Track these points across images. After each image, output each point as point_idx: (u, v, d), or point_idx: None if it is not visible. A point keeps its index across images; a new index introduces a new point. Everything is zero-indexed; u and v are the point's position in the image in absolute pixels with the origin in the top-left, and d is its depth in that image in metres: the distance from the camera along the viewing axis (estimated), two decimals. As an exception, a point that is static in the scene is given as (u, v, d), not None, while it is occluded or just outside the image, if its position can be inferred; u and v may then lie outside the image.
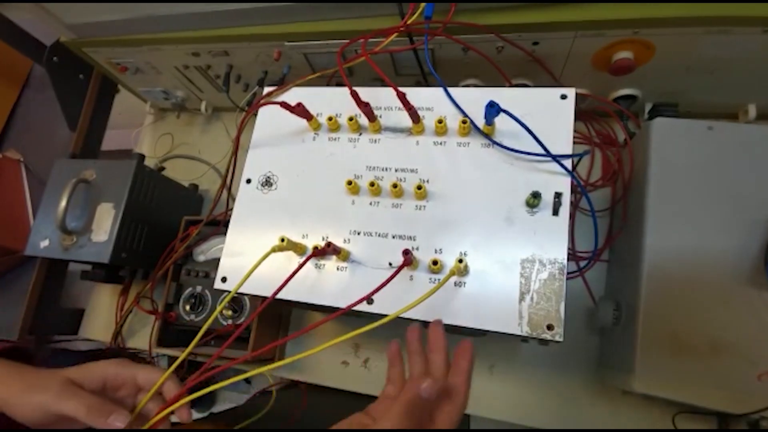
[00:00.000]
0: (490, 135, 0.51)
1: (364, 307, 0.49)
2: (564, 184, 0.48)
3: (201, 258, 0.78)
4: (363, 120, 0.55)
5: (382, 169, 0.54)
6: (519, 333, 0.45)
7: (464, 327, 0.46)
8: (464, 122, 0.51)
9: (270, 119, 0.60)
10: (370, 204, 0.53)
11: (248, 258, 0.53)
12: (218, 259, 0.55)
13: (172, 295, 0.76)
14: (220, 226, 0.77)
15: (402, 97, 0.50)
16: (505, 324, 0.45)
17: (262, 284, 0.52)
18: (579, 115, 0.70)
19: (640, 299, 0.54)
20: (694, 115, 0.61)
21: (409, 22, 0.57)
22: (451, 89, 0.54)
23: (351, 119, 0.55)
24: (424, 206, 0.51)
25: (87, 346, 0.95)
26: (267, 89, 0.62)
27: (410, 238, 0.50)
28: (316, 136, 0.57)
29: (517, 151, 0.49)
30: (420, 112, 0.53)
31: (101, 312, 0.91)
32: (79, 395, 0.48)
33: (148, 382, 0.51)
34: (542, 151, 0.48)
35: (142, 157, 0.77)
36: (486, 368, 0.71)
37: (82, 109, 0.95)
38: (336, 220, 0.53)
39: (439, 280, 0.48)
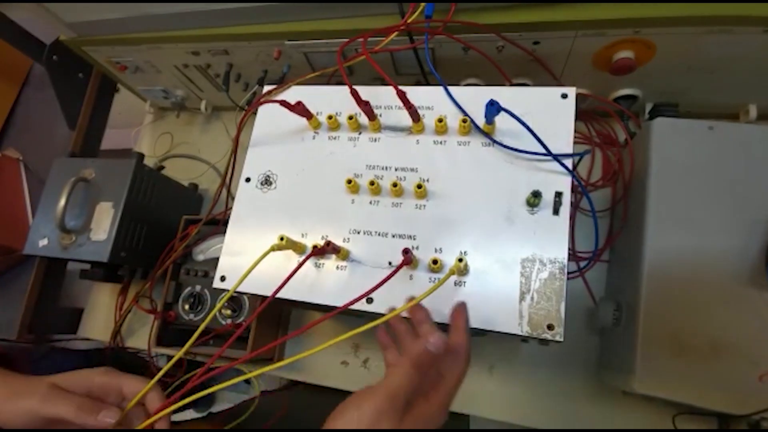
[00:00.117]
0: (490, 134, 0.51)
1: (363, 306, 0.48)
2: (564, 184, 0.48)
3: (200, 257, 0.77)
4: (363, 119, 0.55)
5: (382, 168, 0.53)
6: (519, 333, 0.45)
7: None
8: (464, 121, 0.51)
9: (270, 118, 0.60)
10: (370, 203, 0.53)
11: (247, 257, 0.53)
12: (217, 259, 0.55)
13: (171, 295, 0.76)
14: (219, 225, 0.77)
15: (402, 95, 0.50)
16: (506, 324, 0.45)
17: (262, 283, 0.51)
18: (579, 115, 0.70)
19: (640, 299, 0.54)
20: (695, 115, 0.61)
21: (409, 21, 0.57)
22: (451, 88, 0.54)
23: (351, 118, 0.55)
24: (424, 205, 0.51)
25: (86, 345, 0.95)
26: (267, 88, 0.62)
27: (410, 237, 0.50)
28: (316, 135, 0.57)
29: (517, 150, 0.49)
30: (420, 111, 0.53)
31: (100, 311, 0.91)
32: (67, 396, 0.48)
33: (133, 393, 0.51)
34: (543, 151, 0.48)
35: (141, 156, 0.77)
36: (486, 368, 0.70)
37: (82, 108, 0.95)
38: (336, 219, 0.53)
39: (439, 279, 0.48)
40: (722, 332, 0.52)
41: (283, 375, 0.80)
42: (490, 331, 0.46)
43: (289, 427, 0.85)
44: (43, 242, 0.74)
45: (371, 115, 0.54)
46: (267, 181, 0.57)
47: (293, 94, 0.60)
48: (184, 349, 0.50)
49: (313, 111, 0.57)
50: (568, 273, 0.46)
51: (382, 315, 0.48)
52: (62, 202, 0.69)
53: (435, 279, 0.48)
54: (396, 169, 0.53)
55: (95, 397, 0.51)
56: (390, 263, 0.50)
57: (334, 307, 0.50)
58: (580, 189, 0.68)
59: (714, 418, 0.59)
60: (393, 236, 0.51)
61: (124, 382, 0.51)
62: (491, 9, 0.60)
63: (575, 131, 0.50)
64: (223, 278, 0.54)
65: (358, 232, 0.52)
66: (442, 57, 0.67)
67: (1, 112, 1.08)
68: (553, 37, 0.60)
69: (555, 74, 0.66)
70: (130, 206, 0.73)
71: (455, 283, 0.47)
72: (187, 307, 0.75)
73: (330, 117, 0.56)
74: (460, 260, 0.46)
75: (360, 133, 0.56)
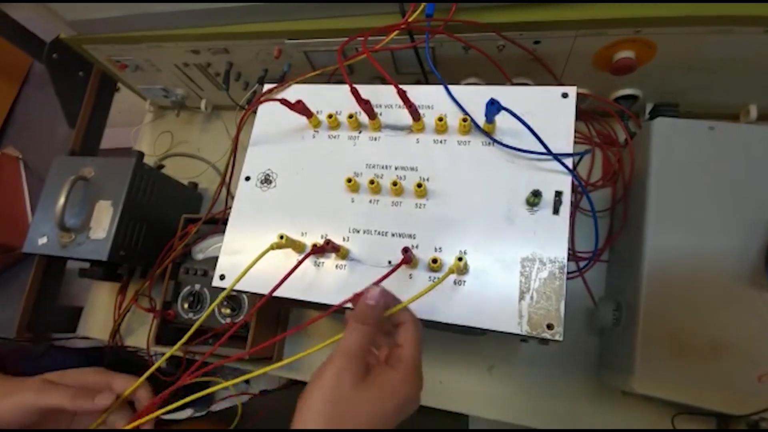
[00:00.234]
0: (490, 133, 0.51)
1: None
2: (564, 183, 0.48)
3: (200, 256, 0.77)
4: (363, 118, 0.55)
5: (382, 167, 0.53)
6: (519, 332, 0.44)
7: (463, 326, 0.46)
8: (465, 120, 0.51)
9: (270, 117, 0.60)
10: (370, 202, 0.52)
11: (247, 256, 0.53)
12: (217, 258, 0.55)
13: (171, 294, 0.76)
14: (219, 224, 0.77)
15: (402, 94, 0.50)
16: (505, 323, 0.45)
17: (261, 282, 0.51)
18: (580, 114, 0.70)
19: (640, 299, 0.54)
20: (695, 115, 0.61)
21: (410, 20, 0.57)
22: (451, 87, 0.54)
23: (351, 117, 0.55)
24: (424, 204, 0.51)
25: (85, 344, 0.95)
26: (267, 86, 0.62)
27: (410, 236, 0.50)
28: (316, 134, 0.57)
29: (517, 149, 0.49)
30: (420, 110, 0.53)
31: (99, 310, 0.91)
32: (60, 387, 0.50)
33: (122, 389, 0.53)
34: (543, 150, 0.48)
35: (141, 154, 0.77)
36: (485, 368, 0.70)
37: (82, 107, 0.95)
38: (335, 218, 0.53)
39: (438, 278, 0.48)
40: (722, 332, 0.52)
41: (282, 374, 0.80)
42: (490, 330, 0.46)
43: (288, 426, 0.85)
44: (43, 240, 0.74)
45: (371, 113, 0.54)
46: (267, 180, 0.57)
47: (293, 92, 0.60)
48: (176, 346, 0.50)
49: (313, 110, 0.57)
50: (568, 273, 0.46)
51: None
52: (62, 200, 0.69)
53: (435, 278, 0.48)
54: (396, 168, 0.53)
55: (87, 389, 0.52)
56: (390, 262, 0.50)
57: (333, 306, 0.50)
58: (580, 189, 0.68)
59: (713, 419, 0.59)
60: (393, 235, 0.51)
61: (114, 380, 0.53)
62: (492, 8, 0.59)
63: (575, 131, 0.50)
64: (222, 277, 0.54)
65: (358, 231, 0.52)
66: (443, 56, 0.67)
67: (0, 110, 1.08)
68: (553, 37, 0.60)
69: (555, 74, 0.66)
70: (129, 205, 0.73)
71: (455, 282, 0.47)
72: (186, 305, 0.75)
73: (330, 116, 0.56)
74: (460, 259, 0.46)
75: (360, 132, 0.56)
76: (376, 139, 0.55)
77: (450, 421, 0.77)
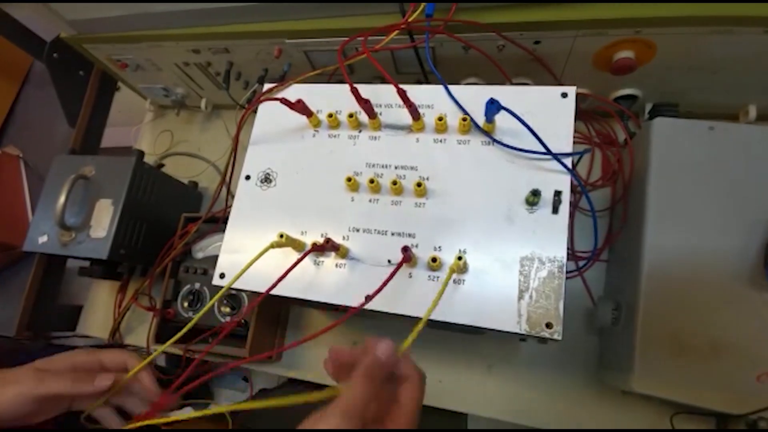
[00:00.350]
0: (490, 133, 0.51)
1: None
2: (564, 183, 0.48)
3: (199, 255, 0.77)
4: (363, 117, 0.55)
5: (382, 167, 0.53)
6: (518, 331, 0.44)
7: (462, 325, 0.46)
8: (464, 120, 0.51)
9: (270, 116, 0.60)
10: (370, 201, 0.53)
11: (247, 254, 0.53)
12: (217, 256, 0.55)
13: (171, 292, 0.76)
14: (219, 223, 0.77)
15: (402, 94, 0.50)
16: (504, 322, 0.45)
17: (261, 280, 0.51)
18: (579, 114, 0.70)
19: (639, 299, 0.54)
20: (695, 115, 0.61)
21: (410, 19, 0.57)
22: (451, 86, 0.54)
23: (351, 116, 0.55)
24: (424, 204, 0.51)
25: (85, 342, 0.95)
26: (267, 86, 0.62)
27: (409, 235, 0.50)
28: (316, 133, 0.57)
29: (517, 149, 0.49)
30: (420, 110, 0.53)
31: (99, 308, 0.91)
32: (58, 374, 0.51)
33: (113, 364, 0.54)
34: (542, 149, 0.48)
35: (141, 153, 0.77)
36: (484, 367, 0.70)
37: (82, 106, 0.95)
38: (335, 217, 0.53)
39: (438, 277, 0.48)
40: (721, 332, 0.52)
41: (281, 373, 0.80)
42: (489, 329, 0.46)
43: (287, 426, 0.85)
44: (43, 239, 0.74)
45: (371, 113, 0.54)
46: (267, 179, 0.57)
47: (293, 92, 0.60)
48: (176, 337, 0.52)
49: (313, 109, 0.57)
50: (567, 272, 0.46)
51: (381, 313, 0.48)
52: (62, 199, 0.69)
53: (434, 277, 0.48)
54: (396, 168, 0.53)
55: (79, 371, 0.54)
56: (389, 261, 0.50)
57: (332, 305, 0.50)
58: (579, 188, 0.68)
59: (712, 418, 0.59)
60: (392, 234, 0.51)
61: (103, 356, 0.55)
62: (492, 8, 0.60)
63: (575, 131, 0.50)
64: (222, 275, 0.54)
65: (358, 230, 0.52)
66: (443, 56, 0.67)
67: (1, 109, 1.08)
68: (553, 37, 0.60)
69: (555, 74, 0.66)
70: (129, 204, 0.73)
71: (454, 281, 0.47)
72: (186, 304, 0.75)
73: (330, 115, 0.56)
74: (460, 258, 0.46)
75: (360, 132, 0.56)
76: (376, 138, 0.55)
77: (449, 421, 0.77)
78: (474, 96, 0.53)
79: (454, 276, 0.47)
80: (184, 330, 0.52)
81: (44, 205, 0.76)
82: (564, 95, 0.51)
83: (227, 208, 0.77)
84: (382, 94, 0.56)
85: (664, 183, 0.57)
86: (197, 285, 0.75)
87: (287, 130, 0.58)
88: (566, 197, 0.47)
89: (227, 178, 0.71)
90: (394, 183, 0.51)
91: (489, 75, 0.68)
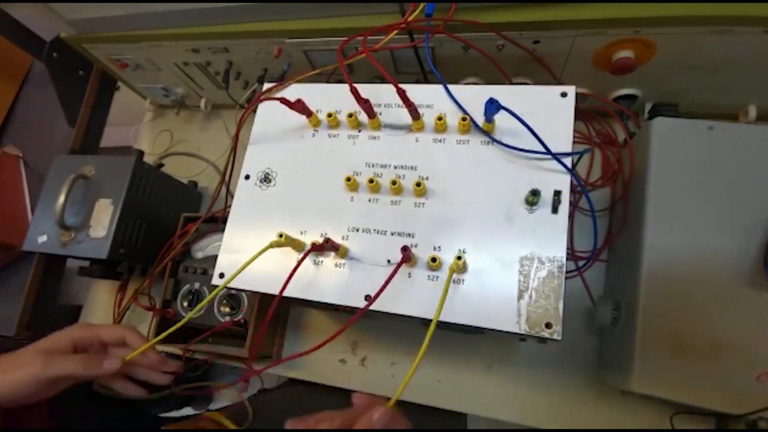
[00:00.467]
0: (489, 132, 0.51)
1: (362, 304, 0.49)
2: (563, 182, 0.48)
3: (199, 255, 0.77)
4: (363, 117, 0.55)
5: (382, 166, 0.53)
6: (517, 331, 0.44)
7: (462, 325, 0.46)
8: (464, 119, 0.51)
9: (269, 116, 0.60)
10: (369, 201, 0.52)
11: (246, 254, 0.52)
12: (216, 256, 0.55)
13: (170, 292, 0.76)
14: (218, 222, 0.77)
15: (402, 93, 0.50)
16: (504, 322, 0.45)
17: (260, 280, 0.51)
18: (579, 114, 0.70)
19: (639, 299, 0.54)
20: (695, 115, 0.61)
21: (409, 19, 0.57)
22: (451, 86, 0.54)
23: (350, 116, 0.55)
24: (423, 203, 0.51)
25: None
26: (266, 86, 0.62)
27: (409, 235, 0.50)
28: (316, 133, 0.57)
29: (516, 148, 0.49)
30: (420, 110, 0.53)
31: (99, 308, 0.91)
32: (66, 356, 0.52)
33: (111, 340, 0.57)
34: (542, 149, 0.48)
35: (141, 153, 0.77)
36: (484, 367, 0.70)
37: (82, 106, 0.95)
38: (334, 216, 0.53)
39: (437, 277, 0.48)
40: (721, 332, 0.52)
41: (281, 373, 0.80)
42: (489, 329, 0.46)
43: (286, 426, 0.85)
44: (42, 239, 0.74)
45: (371, 113, 0.54)
46: (266, 179, 0.57)
47: (293, 91, 0.60)
48: (169, 331, 0.54)
49: (312, 109, 0.57)
50: (567, 272, 0.46)
51: (381, 313, 0.48)
52: (61, 198, 0.69)
53: (434, 277, 0.48)
54: (395, 167, 0.53)
55: (80, 351, 0.56)
56: (389, 261, 0.50)
57: (331, 305, 0.50)
58: (579, 188, 0.68)
59: (712, 418, 0.59)
60: (392, 234, 0.51)
61: (100, 332, 0.57)
62: (492, 8, 0.60)
63: (575, 130, 0.50)
64: (221, 275, 0.54)
65: (357, 230, 0.52)
66: (442, 56, 0.67)
67: (0, 109, 1.08)
68: (553, 37, 0.60)
69: (555, 73, 0.66)
70: (129, 203, 0.73)
71: (454, 281, 0.47)
72: (185, 304, 0.75)
73: (329, 115, 0.56)
74: (459, 258, 0.46)
75: (359, 131, 0.56)
76: (375, 138, 0.55)
77: (448, 420, 0.77)
78: (473, 96, 0.53)
79: (454, 276, 0.47)
80: (180, 324, 0.55)
81: (44, 204, 0.76)
82: (563, 95, 0.51)
83: (227, 207, 0.77)
84: (381, 93, 0.56)
85: (663, 183, 0.57)
86: (197, 285, 0.75)
87: (287, 130, 0.58)
88: (566, 197, 0.47)
89: (227, 178, 0.71)
90: (394, 183, 0.51)
91: (488, 75, 0.68)
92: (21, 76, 1.14)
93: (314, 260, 0.52)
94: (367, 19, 0.63)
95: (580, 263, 0.68)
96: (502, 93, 0.49)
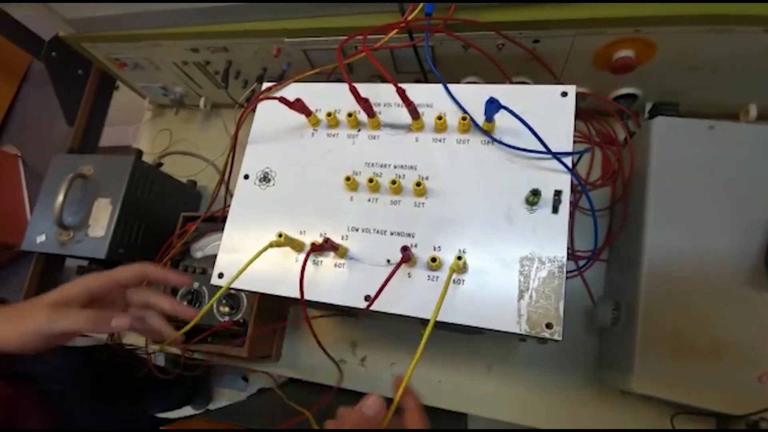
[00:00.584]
0: (490, 132, 0.51)
1: (361, 304, 0.48)
2: (564, 182, 0.48)
3: (198, 254, 0.77)
4: (362, 116, 0.55)
5: (381, 166, 0.53)
6: (518, 331, 0.44)
7: (462, 325, 0.46)
8: (464, 119, 0.51)
9: (268, 115, 0.60)
10: (369, 200, 0.52)
11: (245, 254, 0.52)
12: (215, 256, 0.55)
13: (169, 292, 0.75)
14: (217, 222, 0.77)
15: (402, 93, 0.49)
16: (504, 322, 0.45)
17: (259, 280, 0.51)
18: (579, 114, 0.70)
19: (639, 299, 0.54)
20: (695, 114, 0.61)
21: (409, 18, 0.57)
22: (450, 86, 0.54)
23: (350, 115, 0.55)
24: (423, 203, 0.51)
25: (83, 341, 0.95)
26: (266, 85, 0.61)
27: (409, 235, 0.50)
28: (315, 132, 0.57)
29: (517, 148, 0.49)
30: (420, 109, 0.53)
31: (98, 308, 0.90)
32: (73, 311, 0.49)
33: (128, 278, 0.54)
34: (542, 149, 0.48)
35: (139, 152, 0.77)
36: (484, 368, 0.70)
37: (81, 105, 0.95)
38: (334, 216, 0.53)
39: (437, 277, 0.48)
40: (722, 332, 0.52)
41: (280, 373, 0.80)
42: (489, 329, 0.45)
43: (286, 426, 0.85)
44: (41, 238, 0.74)
45: (370, 112, 0.53)
46: (265, 178, 0.57)
47: (292, 91, 0.60)
48: (192, 323, 0.53)
49: (312, 108, 0.56)
50: (567, 272, 0.45)
51: (380, 313, 0.48)
52: (60, 198, 0.69)
53: (434, 277, 0.48)
54: (395, 167, 0.53)
55: (98, 299, 0.53)
56: (388, 261, 0.49)
57: (330, 305, 0.50)
58: (579, 188, 0.67)
59: (712, 418, 0.59)
60: (391, 234, 0.50)
61: (117, 275, 0.54)
62: (491, 7, 0.59)
63: (575, 130, 0.49)
64: (221, 275, 0.54)
65: (357, 230, 0.52)
66: (442, 55, 0.67)
67: (-1, 108, 1.08)
68: (553, 36, 0.60)
69: (555, 73, 0.66)
70: (128, 203, 0.73)
71: (454, 281, 0.47)
72: (184, 303, 0.74)
73: (329, 114, 0.56)
74: (459, 258, 0.45)
75: (359, 131, 0.56)
76: (375, 137, 0.55)
77: (449, 421, 0.77)
78: (473, 95, 0.52)
79: (454, 276, 0.47)
80: (194, 321, 0.53)
81: (42, 204, 0.75)
82: (564, 94, 0.51)
83: (226, 207, 0.77)
84: (381, 93, 0.56)
85: (664, 182, 0.57)
86: (196, 284, 0.75)
87: (286, 129, 0.58)
88: (566, 197, 0.47)
89: (226, 177, 0.71)
90: (394, 182, 0.50)
91: (488, 74, 0.68)
92: (20, 76, 1.13)
93: (314, 260, 0.51)
94: (367, 19, 0.63)
95: (581, 263, 0.68)
96: (502, 92, 0.49)
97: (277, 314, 0.79)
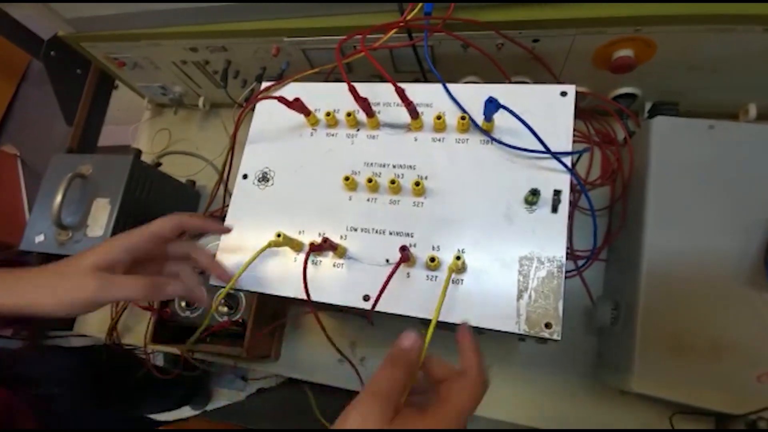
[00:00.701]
0: (489, 132, 0.51)
1: (360, 304, 0.48)
2: (563, 182, 0.47)
3: (197, 254, 0.77)
4: (361, 116, 0.55)
5: (380, 165, 0.53)
6: (517, 331, 0.44)
7: (461, 325, 0.46)
8: (463, 118, 0.51)
9: (267, 115, 0.60)
10: (368, 200, 0.52)
11: (244, 254, 0.52)
12: (214, 256, 0.55)
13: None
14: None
15: (401, 92, 0.49)
16: (503, 322, 0.45)
17: (258, 280, 0.51)
18: (579, 113, 0.70)
19: (638, 299, 0.54)
20: (695, 114, 0.61)
21: (408, 18, 0.57)
22: (450, 85, 0.54)
23: (349, 115, 0.55)
24: (422, 203, 0.51)
25: (82, 342, 0.95)
26: (265, 84, 0.61)
27: (408, 234, 0.50)
28: (314, 132, 0.57)
29: (516, 147, 0.49)
30: (419, 108, 0.53)
31: (96, 308, 0.90)
32: (125, 281, 0.47)
33: (168, 231, 0.52)
34: (542, 148, 0.48)
35: (138, 152, 0.77)
36: (483, 367, 0.70)
37: (80, 104, 0.94)
38: (333, 216, 0.53)
39: (436, 277, 0.47)
40: (721, 332, 0.52)
41: (279, 372, 0.79)
42: (488, 329, 0.45)
43: (286, 426, 0.85)
44: (40, 238, 0.73)
45: (369, 111, 0.53)
46: (264, 178, 0.57)
47: (291, 90, 0.60)
48: (202, 327, 0.50)
49: (311, 108, 0.56)
50: (567, 272, 0.45)
51: (379, 313, 0.48)
52: (59, 198, 0.68)
53: (433, 277, 0.48)
54: (394, 167, 0.53)
55: (142, 258, 0.52)
56: (387, 261, 0.49)
57: (329, 305, 0.50)
58: (578, 187, 0.67)
59: (711, 418, 0.59)
60: (390, 234, 0.50)
61: (157, 231, 0.51)
62: (491, 6, 0.59)
63: (574, 130, 0.49)
64: (219, 275, 0.54)
65: (356, 230, 0.51)
66: (442, 54, 0.67)
67: (-2, 108, 1.08)
68: (552, 35, 0.60)
69: (554, 72, 0.66)
70: (126, 202, 0.73)
71: (453, 281, 0.47)
72: (183, 304, 0.74)
73: (328, 114, 0.56)
74: (458, 258, 0.45)
75: (358, 130, 0.56)
76: (374, 137, 0.55)
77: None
78: (473, 95, 0.52)
79: (453, 276, 0.47)
80: (204, 324, 0.54)
81: (41, 204, 0.75)
82: (563, 94, 0.51)
83: (225, 207, 0.77)
84: (380, 92, 0.55)
85: (663, 182, 0.56)
86: (195, 284, 0.75)
87: (285, 129, 0.58)
88: (566, 196, 0.47)
89: (225, 177, 0.71)
90: (393, 182, 0.50)
91: (488, 73, 0.68)
92: (19, 75, 1.13)
93: (312, 260, 0.51)
94: (366, 18, 0.63)
95: (580, 263, 0.68)
96: (501, 92, 0.49)
97: (276, 314, 0.79)
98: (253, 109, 0.61)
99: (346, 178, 0.52)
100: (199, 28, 0.72)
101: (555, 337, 0.43)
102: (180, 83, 0.90)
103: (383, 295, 0.47)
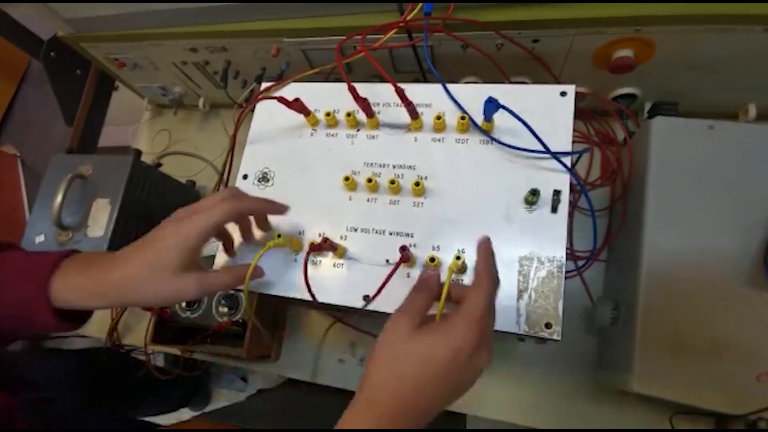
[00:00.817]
0: (489, 132, 0.51)
1: (359, 303, 0.48)
2: (563, 182, 0.47)
3: (197, 255, 0.77)
4: (361, 116, 0.55)
5: (380, 166, 0.53)
6: (517, 331, 0.44)
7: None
8: (463, 118, 0.51)
9: (267, 115, 0.60)
10: (368, 200, 0.52)
11: (244, 254, 0.52)
12: (214, 257, 0.55)
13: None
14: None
15: (400, 92, 0.49)
16: (503, 322, 0.45)
17: (258, 280, 0.51)
18: (578, 113, 0.70)
19: (638, 299, 0.54)
20: (695, 114, 0.61)
21: (408, 18, 0.57)
22: (450, 85, 0.54)
23: (349, 115, 0.55)
24: (422, 203, 0.51)
25: (82, 343, 0.95)
26: (265, 85, 0.61)
27: (408, 234, 0.50)
28: (314, 132, 0.57)
29: (516, 148, 0.49)
30: (419, 109, 0.53)
31: (96, 309, 0.90)
32: (219, 278, 0.48)
33: (225, 222, 0.49)
34: (541, 149, 0.48)
35: (138, 152, 0.77)
36: (483, 368, 0.70)
37: (80, 105, 0.94)
38: (333, 216, 0.53)
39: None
40: (721, 332, 0.52)
41: (279, 373, 0.79)
42: (488, 329, 0.45)
43: (286, 426, 0.85)
44: (40, 239, 0.73)
45: (369, 112, 0.53)
46: (264, 178, 0.57)
47: (291, 90, 0.60)
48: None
49: (311, 108, 0.56)
50: (566, 272, 0.45)
51: (379, 313, 0.48)
52: (59, 198, 0.68)
53: (432, 277, 0.48)
54: (394, 167, 0.53)
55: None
56: (387, 261, 0.49)
57: (329, 305, 0.50)
58: (578, 187, 0.67)
59: (711, 418, 0.59)
60: (390, 234, 0.50)
61: (219, 222, 0.48)
62: (491, 7, 0.59)
63: (574, 130, 0.49)
64: (219, 275, 0.54)
65: (356, 230, 0.51)
66: (441, 55, 0.67)
67: (-2, 108, 1.08)
68: (552, 35, 0.60)
69: (554, 72, 0.66)
70: (127, 203, 0.73)
71: (453, 281, 0.47)
72: (183, 304, 0.74)
73: (328, 114, 0.56)
74: (458, 258, 0.45)
75: (358, 130, 0.56)
76: (374, 137, 0.55)
77: (448, 421, 0.77)
78: (472, 95, 0.52)
79: (453, 276, 0.47)
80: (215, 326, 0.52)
81: (41, 204, 0.75)
82: (563, 94, 0.51)
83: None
84: (380, 93, 0.55)
85: (663, 182, 0.57)
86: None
87: (285, 129, 0.58)
88: (565, 197, 0.47)
89: (225, 177, 0.71)
90: (392, 182, 0.50)
91: (488, 74, 0.68)
92: (19, 76, 1.13)
93: (312, 260, 0.51)
94: (366, 18, 0.63)
95: (580, 263, 0.68)
96: (501, 92, 0.49)
97: (276, 314, 0.79)
98: (253, 110, 0.61)
99: (346, 179, 0.52)
100: (200, 29, 0.72)
101: (555, 337, 0.43)
102: (180, 84, 0.90)
103: (383, 295, 0.47)
